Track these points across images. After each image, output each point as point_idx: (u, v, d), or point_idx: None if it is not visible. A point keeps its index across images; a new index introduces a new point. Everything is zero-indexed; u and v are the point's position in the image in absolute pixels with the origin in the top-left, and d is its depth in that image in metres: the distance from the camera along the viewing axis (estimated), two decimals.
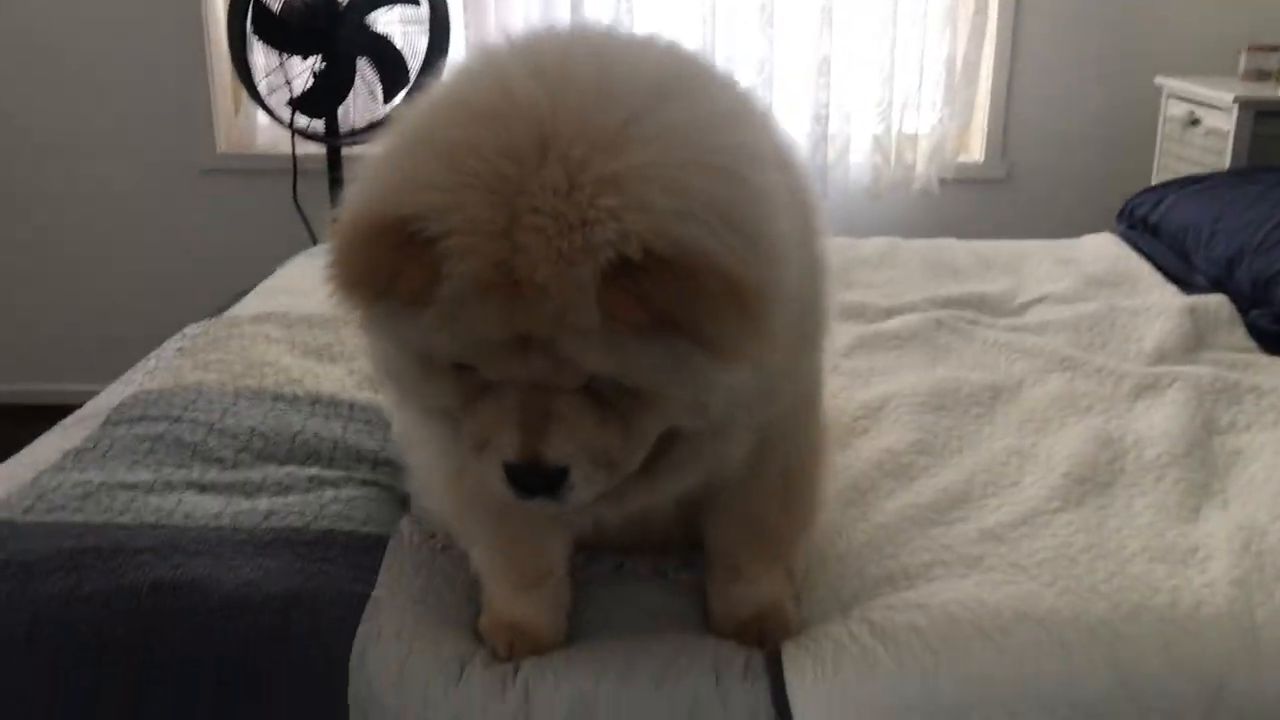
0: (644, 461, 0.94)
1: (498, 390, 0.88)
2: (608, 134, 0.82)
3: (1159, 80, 3.03)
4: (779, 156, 1.00)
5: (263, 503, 1.28)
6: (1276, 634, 1.05)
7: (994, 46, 3.20)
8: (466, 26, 3.11)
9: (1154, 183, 2.86)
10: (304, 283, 2.07)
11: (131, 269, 3.47)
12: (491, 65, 0.92)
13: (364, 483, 1.37)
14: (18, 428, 3.38)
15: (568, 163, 0.81)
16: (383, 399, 1.48)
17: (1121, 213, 2.53)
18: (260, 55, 2.86)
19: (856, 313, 1.93)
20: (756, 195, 0.87)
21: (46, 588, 1.11)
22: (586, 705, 1.04)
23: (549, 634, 1.12)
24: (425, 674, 1.06)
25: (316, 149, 3.03)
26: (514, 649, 1.10)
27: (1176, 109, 2.94)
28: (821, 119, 3.18)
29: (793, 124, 3.18)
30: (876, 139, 3.22)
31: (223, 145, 3.37)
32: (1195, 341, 1.78)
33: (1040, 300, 2.00)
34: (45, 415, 3.44)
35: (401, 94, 2.92)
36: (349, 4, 2.82)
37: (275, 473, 1.37)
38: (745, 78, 3.13)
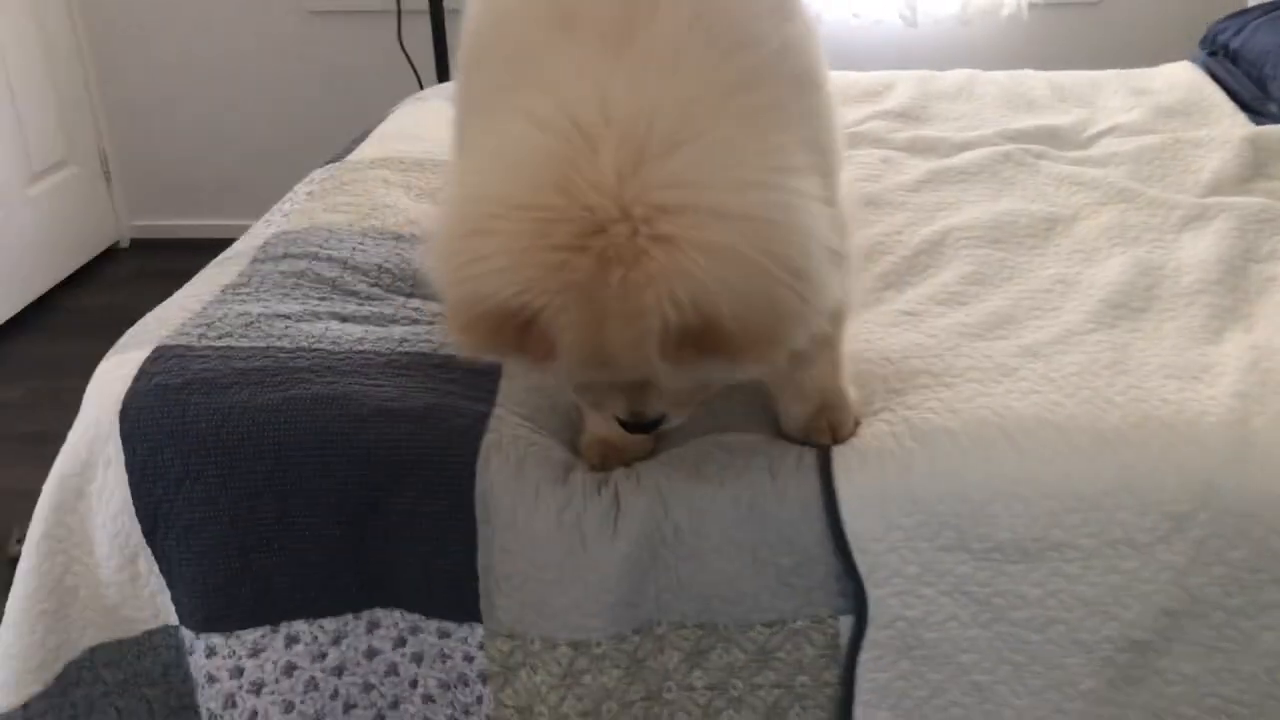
0: None
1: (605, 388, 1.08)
2: (656, 215, 0.92)
3: None
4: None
5: (396, 330, 1.50)
6: (1267, 440, 1.21)
7: None
8: None
9: (1251, 3, 2.84)
10: (414, 128, 2.26)
11: (248, 108, 3.70)
12: (541, 132, 0.98)
13: None
14: (159, 260, 3.72)
15: (630, 254, 0.92)
16: None
17: (1204, 39, 2.55)
18: None
19: (929, 147, 2.04)
20: (787, 237, 0.96)
21: (227, 399, 1.35)
22: (664, 499, 1.25)
23: (635, 450, 1.32)
24: (537, 475, 1.27)
25: None
26: (606, 461, 1.31)
27: None
28: None
29: None
30: None
31: None
32: (1253, 172, 1.86)
33: (1109, 132, 2.09)
34: (187, 247, 3.78)
35: None
36: None
37: (404, 305, 1.59)
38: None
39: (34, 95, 3.40)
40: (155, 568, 1.37)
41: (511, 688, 1.30)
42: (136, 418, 1.36)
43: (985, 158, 1.94)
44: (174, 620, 1.39)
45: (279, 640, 1.35)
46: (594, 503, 1.25)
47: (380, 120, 2.43)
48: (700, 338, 0.96)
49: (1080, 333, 1.40)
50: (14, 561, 2.18)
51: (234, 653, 1.36)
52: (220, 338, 1.47)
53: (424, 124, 2.26)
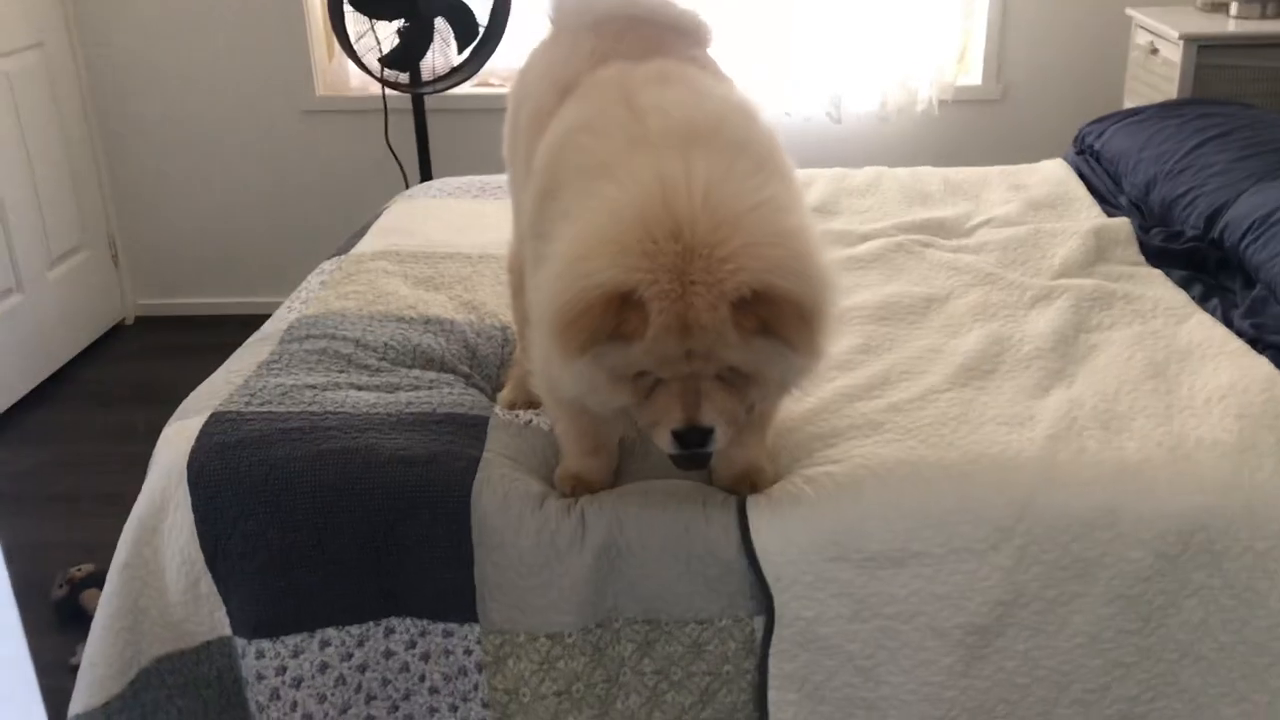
0: None
1: (662, 388, 1.43)
2: (720, 230, 1.34)
3: (1129, 11, 3.44)
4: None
5: (402, 396, 1.88)
6: (1068, 470, 1.60)
7: None
8: None
9: (1125, 106, 3.31)
10: (408, 224, 2.65)
11: (246, 198, 4.08)
12: (640, 185, 1.38)
13: (466, 380, 1.98)
14: (161, 335, 4.07)
15: (706, 250, 1.33)
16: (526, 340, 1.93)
17: (1076, 138, 2.99)
18: (353, 20, 3.38)
19: (838, 238, 2.45)
20: (806, 247, 1.40)
21: (271, 453, 1.71)
22: (620, 519, 1.62)
23: (600, 483, 1.70)
24: (519, 504, 1.65)
25: (404, 95, 3.59)
26: (576, 491, 1.69)
27: (1142, 38, 3.36)
28: (833, 51, 3.64)
29: (808, 60, 3.65)
30: (883, 67, 3.67)
31: (320, 89, 3.93)
32: (1095, 257, 2.28)
33: (987, 223, 2.51)
34: (181, 325, 4.14)
35: (471, 46, 3.45)
36: None
37: (406, 375, 1.97)
38: (764, 13, 3.60)
39: (53, 184, 3.78)
40: (215, 589, 1.72)
41: (501, 674, 1.66)
42: (200, 469, 1.72)
43: (881, 247, 2.36)
44: (228, 632, 1.74)
45: (314, 644, 1.71)
46: (565, 523, 1.62)
47: (371, 212, 2.83)
48: (763, 310, 1.33)
49: (937, 391, 1.80)
50: (57, 605, 2.54)
51: (278, 654, 1.71)
52: (262, 405, 1.84)
53: (416, 220, 2.66)
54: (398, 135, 3.73)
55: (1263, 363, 1.82)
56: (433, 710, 1.71)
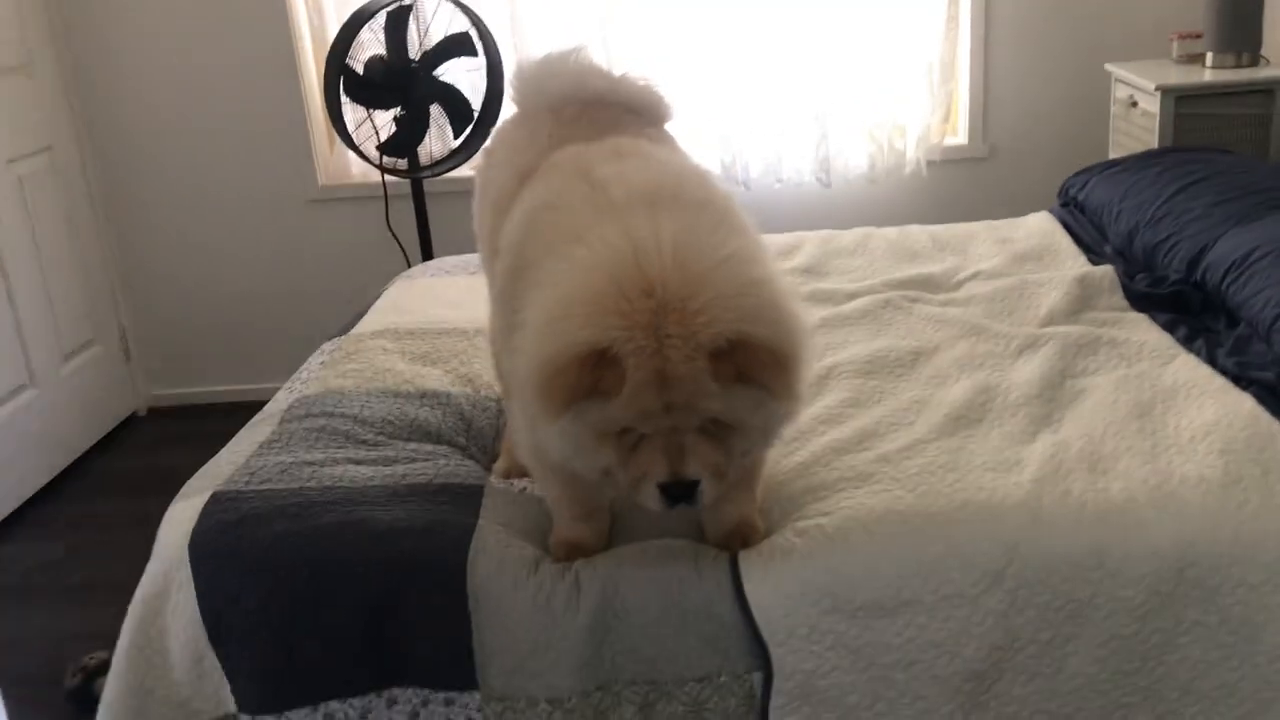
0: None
1: (646, 443, 1.45)
2: (691, 284, 1.39)
3: (1108, 67, 3.52)
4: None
5: (399, 469, 1.91)
6: (1055, 513, 1.62)
7: (969, 46, 3.71)
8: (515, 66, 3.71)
9: (1110, 157, 3.37)
10: (406, 303, 2.71)
11: (253, 287, 4.16)
12: (610, 247, 1.43)
13: (462, 450, 2.01)
14: (174, 425, 4.12)
15: (679, 305, 1.37)
16: (509, 411, 1.96)
17: (1060, 190, 3.04)
18: (350, 110, 3.48)
19: (826, 297, 2.50)
20: (775, 295, 1.45)
21: (271, 529, 1.74)
22: (614, 581, 1.64)
23: (594, 547, 1.72)
24: (514, 568, 1.67)
25: (403, 180, 3.67)
26: (570, 557, 1.71)
27: (1121, 92, 3.43)
28: (821, 118, 3.72)
29: (797, 126, 3.73)
30: (870, 131, 3.75)
31: (323, 179, 4.03)
32: (1080, 305, 2.31)
33: (974, 277, 2.55)
34: (193, 414, 4.20)
35: (467, 130, 3.54)
36: (420, 61, 3.43)
37: (403, 448, 2.00)
38: (753, 84, 3.70)
39: (64, 281, 3.86)
40: (218, 665, 1.74)
41: None
42: (202, 548, 1.75)
43: (869, 304, 2.39)
44: (233, 708, 1.75)
45: (319, 717, 1.71)
46: (560, 586, 1.64)
47: (374, 295, 2.89)
48: (740, 358, 1.37)
49: (925, 441, 1.82)
50: (72, 694, 2.56)
51: None
52: (262, 483, 1.88)
53: (414, 299, 2.72)
54: (399, 219, 3.81)
55: (1246, 399, 1.84)
56: None
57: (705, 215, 1.51)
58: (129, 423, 4.22)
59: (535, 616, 1.63)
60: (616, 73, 1.95)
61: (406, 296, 2.77)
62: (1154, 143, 3.14)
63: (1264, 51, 3.24)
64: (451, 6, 3.46)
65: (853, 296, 2.48)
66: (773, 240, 2.89)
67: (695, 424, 1.43)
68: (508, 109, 3.47)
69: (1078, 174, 3.00)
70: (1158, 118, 3.12)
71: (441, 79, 3.47)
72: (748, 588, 1.61)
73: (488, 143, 1.99)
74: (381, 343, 2.45)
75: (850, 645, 1.61)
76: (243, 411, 2.25)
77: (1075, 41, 3.68)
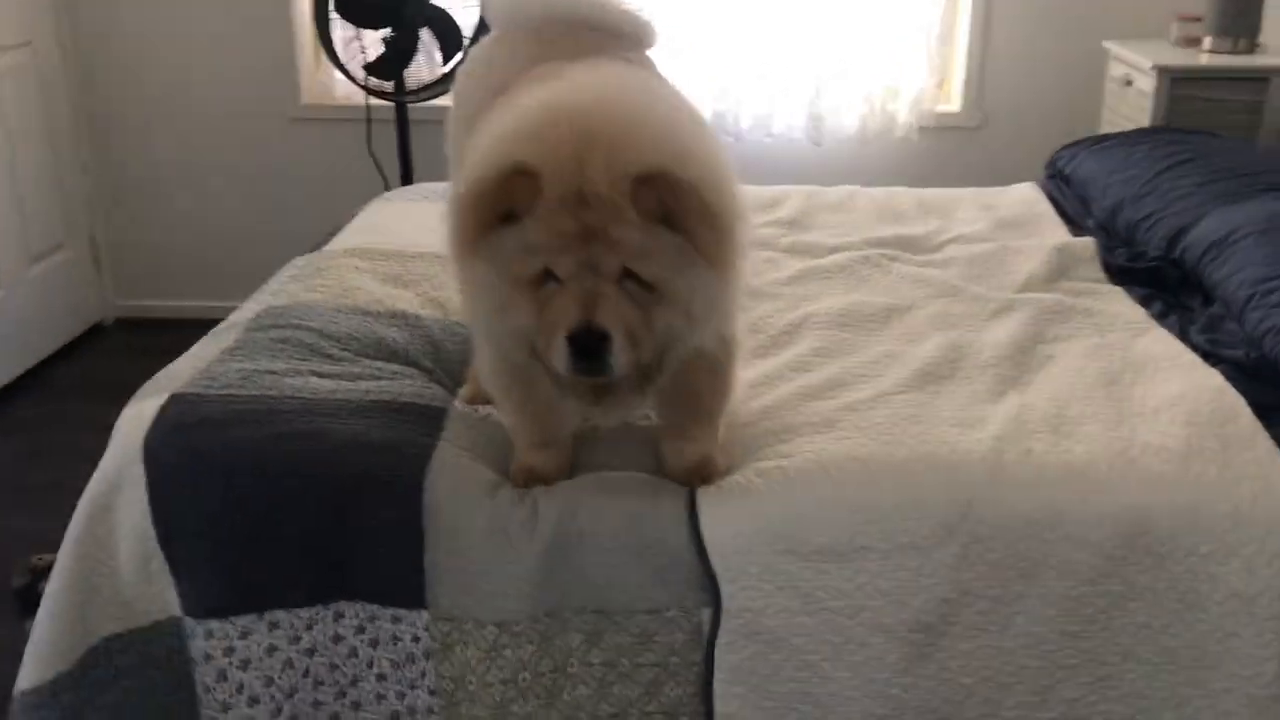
0: (640, 380, 1.51)
1: (561, 292, 1.40)
2: (621, 122, 1.39)
3: (1105, 44, 3.50)
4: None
5: (362, 384, 1.88)
6: (1014, 471, 1.62)
7: (969, 13, 3.68)
8: None
9: (1100, 133, 3.35)
10: (382, 224, 2.67)
11: (229, 203, 4.11)
12: (547, 91, 1.47)
13: (429, 372, 1.99)
14: (140, 338, 4.07)
15: (606, 137, 1.37)
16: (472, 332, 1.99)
17: (1048, 163, 3.03)
18: (339, 28, 3.42)
19: (806, 249, 2.48)
20: (712, 154, 1.45)
21: (228, 434, 1.72)
22: (571, 508, 1.63)
23: (553, 475, 1.71)
24: (472, 490, 1.65)
25: (387, 103, 3.62)
26: (529, 484, 1.70)
27: (1117, 70, 3.42)
28: (817, 77, 3.69)
29: (791, 82, 3.70)
30: (864, 93, 3.72)
31: (306, 98, 3.97)
32: (1058, 274, 2.31)
33: (954, 240, 2.54)
34: (166, 327, 4.14)
35: (456, 57, 3.48)
36: None
37: (368, 365, 1.97)
38: (749, 37, 3.66)
39: (37, 183, 3.80)
40: (166, 567, 1.72)
41: (449, 662, 1.66)
42: (157, 448, 1.73)
43: (848, 259, 2.38)
44: (178, 612, 1.73)
45: (263, 625, 1.70)
46: (517, 511, 1.63)
47: (351, 216, 2.85)
48: (663, 190, 1.35)
49: (892, 393, 1.82)
50: (18, 593, 2.53)
51: (227, 635, 1.71)
52: (223, 388, 1.85)
53: (390, 221, 2.68)
54: (381, 143, 3.76)
55: (1214, 375, 1.85)
56: (380, 697, 1.71)
57: (661, 100, 1.52)
58: (95, 331, 4.17)
59: (490, 539, 1.62)
60: None
61: (382, 218, 2.73)
62: (1146, 122, 3.14)
63: (1261, 39, 3.23)
64: None
65: (833, 251, 2.47)
66: (758, 192, 2.87)
67: (614, 269, 1.39)
68: None
69: (1066, 147, 2.99)
70: (1151, 97, 3.11)
71: (434, 3, 3.41)
72: (703, 523, 1.61)
73: (465, 62, 1.95)
74: (354, 261, 2.41)
75: (801, 588, 1.61)
76: (210, 327, 2.22)
77: (1075, 16, 3.66)
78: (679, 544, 1.62)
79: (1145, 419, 1.74)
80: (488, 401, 1.88)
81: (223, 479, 1.70)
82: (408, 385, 1.91)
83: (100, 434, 1.81)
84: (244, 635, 1.71)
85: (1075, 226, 2.62)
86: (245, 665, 1.71)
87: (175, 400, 1.81)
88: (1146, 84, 3.15)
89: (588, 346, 1.39)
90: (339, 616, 1.70)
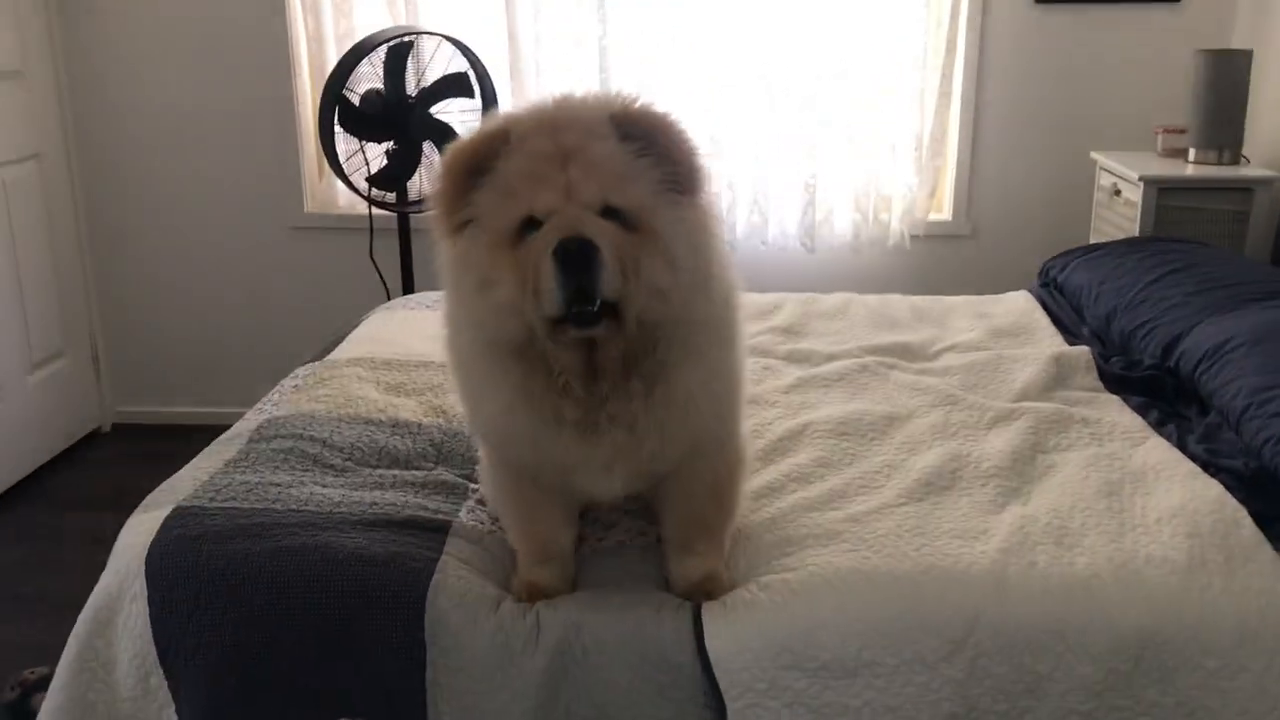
0: (629, 360, 1.52)
1: (542, 233, 1.40)
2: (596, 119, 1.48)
3: (1093, 154, 3.58)
4: None
5: (366, 495, 1.89)
6: (1019, 584, 1.61)
7: (959, 123, 3.77)
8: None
9: (1091, 242, 3.41)
10: (384, 333, 2.69)
11: (230, 309, 4.14)
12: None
13: (433, 482, 1.99)
14: (138, 443, 4.06)
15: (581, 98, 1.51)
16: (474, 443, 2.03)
17: (1040, 272, 3.08)
18: (343, 140, 3.49)
19: (803, 357, 2.51)
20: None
21: (231, 547, 1.72)
22: (575, 626, 1.62)
23: (557, 590, 1.71)
24: (475, 605, 1.64)
25: (389, 214, 3.68)
26: (532, 598, 1.69)
27: (1105, 180, 3.49)
28: (810, 187, 3.77)
29: (785, 190, 3.77)
30: (857, 202, 3.79)
31: (309, 206, 4.03)
32: (1055, 383, 2.33)
33: (951, 348, 2.57)
34: (158, 433, 4.13)
35: None
36: (417, 98, 3.46)
37: (371, 475, 1.98)
38: (744, 146, 3.74)
39: (39, 291, 3.83)
40: (165, 685, 1.70)
41: None
42: (159, 562, 1.72)
43: (846, 367, 2.40)
44: None
45: None
46: (519, 626, 1.62)
47: (352, 325, 2.87)
48: (638, 121, 1.45)
49: (894, 505, 1.82)
50: (7, 708, 2.49)
51: None
52: (226, 501, 1.85)
53: (392, 330, 2.71)
54: (382, 252, 3.81)
55: (1214, 485, 1.86)
56: None
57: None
58: (92, 438, 4.16)
59: (492, 654, 1.61)
60: None
61: (385, 327, 2.76)
62: (1135, 231, 3.19)
63: (1245, 150, 3.31)
64: (452, 47, 3.50)
65: (830, 359, 2.49)
66: (754, 299, 2.90)
67: (594, 198, 1.41)
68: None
69: (1058, 256, 3.04)
70: (1140, 207, 3.17)
71: (436, 116, 3.49)
72: (709, 639, 1.60)
73: None
74: (356, 370, 2.43)
75: (808, 704, 1.59)
76: (209, 434, 2.22)
77: (1063, 127, 3.75)
78: (684, 660, 1.61)
79: (1147, 530, 1.74)
80: None
81: (224, 594, 1.69)
82: (411, 497, 1.91)
83: (94, 545, 1.80)
84: None
85: (1069, 335, 2.65)
86: None
87: (178, 513, 1.81)
88: (1134, 194, 3.21)
89: (574, 255, 1.37)
90: None
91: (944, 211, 3.89)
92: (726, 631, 1.59)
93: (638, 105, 1.46)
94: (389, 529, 1.79)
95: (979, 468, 1.96)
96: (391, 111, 3.42)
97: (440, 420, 2.21)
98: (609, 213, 1.42)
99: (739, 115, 3.73)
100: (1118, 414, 2.19)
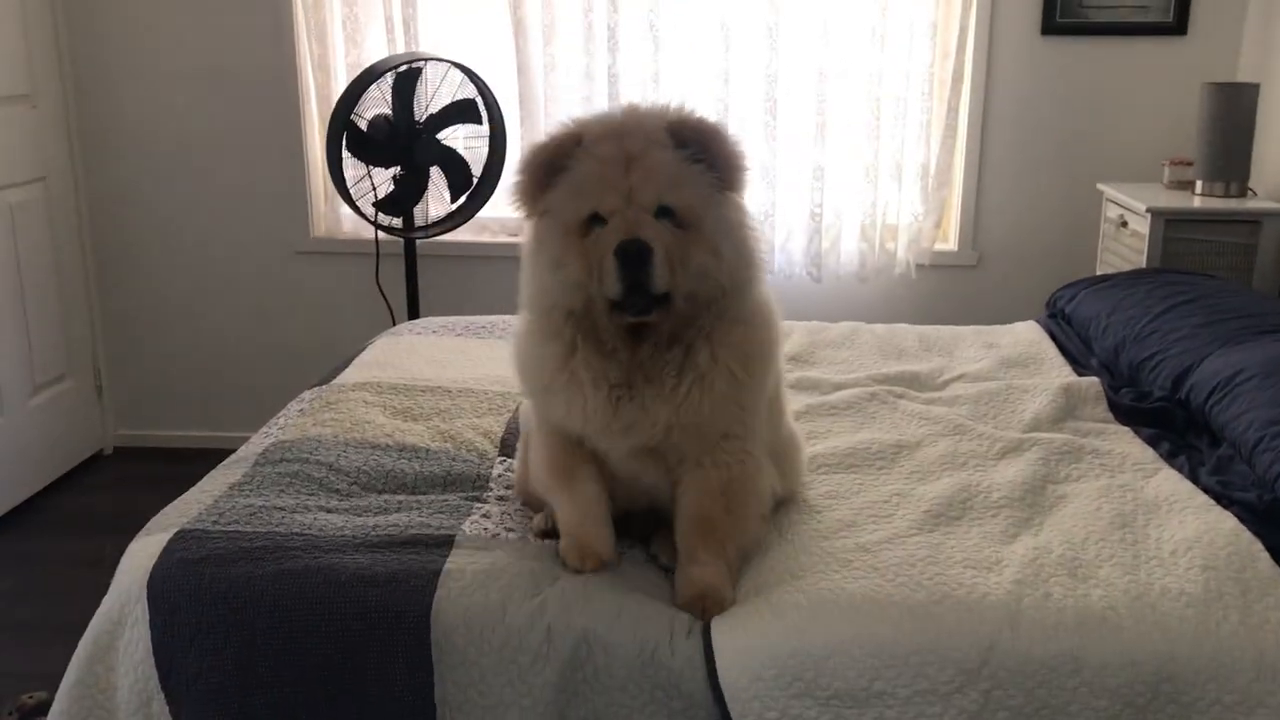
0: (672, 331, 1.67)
1: (606, 230, 1.59)
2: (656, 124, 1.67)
3: (1100, 186, 3.58)
4: None
5: (370, 519, 1.87)
6: (1034, 616, 1.59)
7: (965, 153, 3.78)
8: (521, 138, 3.74)
9: (1097, 273, 3.41)
10: (390, 358, 2.69)
11: (235, 333, 4.13)
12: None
13: (437, 503, 1.97)
14: (140, 467, 4.04)
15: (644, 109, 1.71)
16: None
17: (1048, 302, 3.07)
18: (350, 166, 3.50)
19: (812, 385, 2.49)
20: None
21: (234, 571, 1.70)
22: (587, 641, 1.60)
23: (605, 551, 1.72)
24: (481, 619, 1.61)
25: (396, 239, 3.68)
26: (584, 560, 1.70)
27: (1112, 211, 3.49)
28: (816, 215, 3.77)
29: (792, 219, 3.77)
30: (863, 231, 3.79)
31: (315, 231, 4.03)
32: (1065, 414, 2.32)
33: (959, 378, 2.56)
34: (160, 457, 4.11)
35: (465, 195, 3.55)
36: (424, 124, 3.46)
37: (376, 499, 1.97)
38: (753, 179, 3.73)
39: (43, 313, 3.83)
40: (167, 709, 1.68)
41: None
42: (161, 585, 1.70)
43: (855, 396, 2.39)
44: None
45: None
46: (529, 639, 1.60)
47: (357, 350, 2.87)
48: (692, 130, 1.65)
49: (904, 534, 1.80)
50: None
51: None
52: (229, 524, 1.84)
53: (398, 355, 2.70)
54: (388, 277, 3.81)
55: (1228, 517, 1.84)
56: None
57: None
58: (94, 460, 4.15)
59: (502, 668, 1.60)
60: None
61: (391, 352, 2.75)
62: (1142, 262, 3.19)
63: (1252, 183, 3.31)
64: (460, 74, 3.50)
65: (839, 388, 2.48)
66: None
67: (651, 200, 1.60)
68: (508, 176, 3.51)
69: (1066, 286, 3.03)
70: (1147, 238, 3.16)
71: (444, 142, 3.49)
72: (720, 667, 1.58)
73: None
74: (363, 395, 2.42)
75: None
76: (211, 458, 2.21)
77: (1070, 159, 3.75)
78: (694, 688, 1.59)
79: (1162, 562, 1.72)
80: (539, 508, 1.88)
81: (227, 617, 1.67)
82: (415, 517, 1.89)
83: (94, 569, 1.78)
84: None
85: (1078, 365, 2.64)
86: None
87: (180, 537, 1.79)
88: (1141, 225, 3.21)
89: (633, 256, 1.57)
90: None
91: (950, 241, 3.89)
92: (738, 658, 1.57)
93: (693, 116, 1.68)
94: (391, 549, 1.77)
95: (989, 498, 1.94)
96: (399, 137, 3.43)
97: (448, 445, 2.20)
98: (663, 211, 1.62)
99: (746, 144, 3.72)
100: (1128, 445, 2.18)
